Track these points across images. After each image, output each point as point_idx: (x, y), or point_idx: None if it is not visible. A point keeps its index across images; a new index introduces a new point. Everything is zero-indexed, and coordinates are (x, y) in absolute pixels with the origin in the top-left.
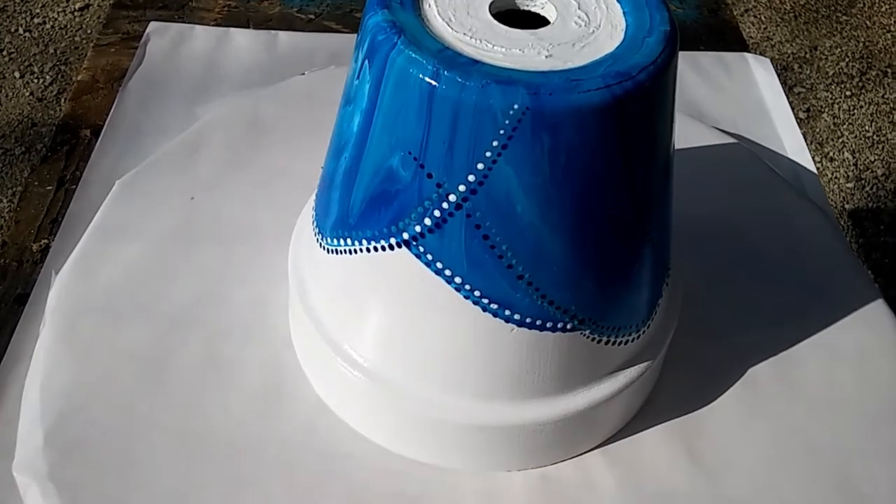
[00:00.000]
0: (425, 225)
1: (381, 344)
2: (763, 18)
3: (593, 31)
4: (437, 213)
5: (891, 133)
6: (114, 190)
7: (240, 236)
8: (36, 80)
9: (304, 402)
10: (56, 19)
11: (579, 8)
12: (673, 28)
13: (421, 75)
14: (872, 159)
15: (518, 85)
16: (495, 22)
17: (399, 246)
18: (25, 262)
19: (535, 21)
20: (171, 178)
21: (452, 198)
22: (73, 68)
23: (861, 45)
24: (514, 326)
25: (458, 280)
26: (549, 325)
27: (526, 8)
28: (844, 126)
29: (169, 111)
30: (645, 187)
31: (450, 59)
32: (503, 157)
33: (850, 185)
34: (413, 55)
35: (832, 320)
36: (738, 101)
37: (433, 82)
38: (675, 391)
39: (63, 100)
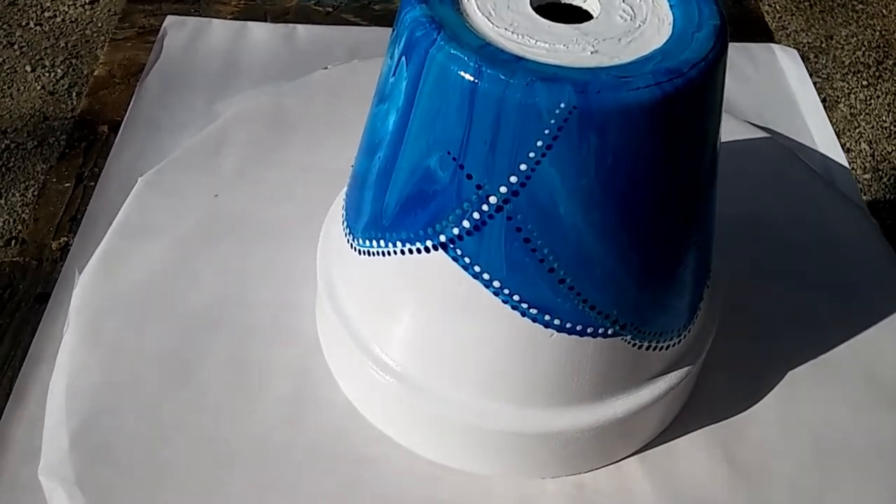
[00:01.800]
0: (464, 227)
1: (414, 348)
2: (778, 7)
3: (639, 26)
4: (476, 215)
5: None
6: (136, 187)
7: (264, 235)
8: (47, 74)
9: (332, 406)
10: (67, 13)
11: (623, 1)
12: (723, 22)
13: (462, 72)
14: (890, 150)
15: (565, 82)
16: (537, 16)
17: (435, 248)
18: (45, 260)
19: (577, 15)
20: (195, 175)
21: (493, 199)
22: (85, 62)
23: (877, 34)
24: (554, 332)
25: (496, 284)
26: (589, 330)
27: (567, 1)
28: (861, 116)
29: (187, 106)
30: (691, 188)
31: (492, 55)
32: (547, 157)
33: (867, 175)
34: (454, 51)
35: (871, 321)
36: (765, 92)
37: (475, 80)
38: (714, 396)
39: (74, 93)
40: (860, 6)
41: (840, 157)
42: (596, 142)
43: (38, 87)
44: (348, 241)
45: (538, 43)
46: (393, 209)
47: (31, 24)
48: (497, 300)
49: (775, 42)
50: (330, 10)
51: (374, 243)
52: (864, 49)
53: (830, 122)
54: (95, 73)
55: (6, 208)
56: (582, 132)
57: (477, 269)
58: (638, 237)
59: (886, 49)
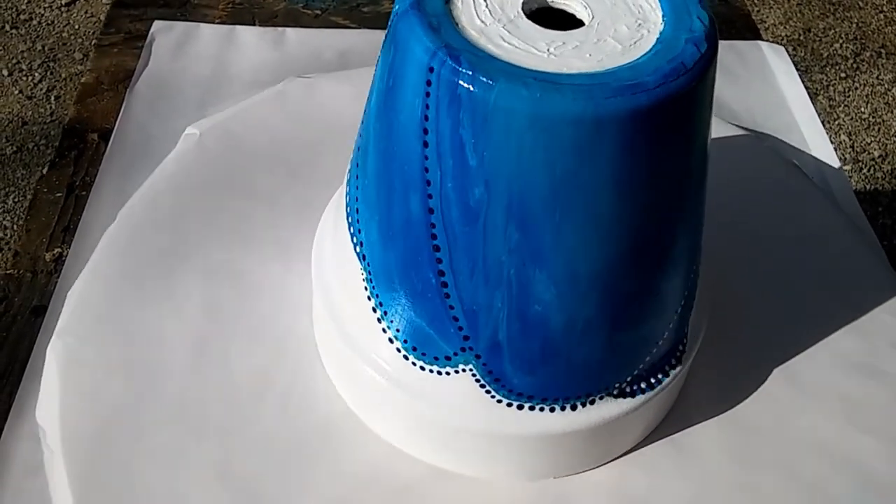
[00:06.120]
0: None
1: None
2: (756, 1)
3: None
4: None
5: (886, 114)
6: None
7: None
8: (25, 78)
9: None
10: (43, 15)
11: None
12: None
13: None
14: (868, 141)
15: (427, 37)
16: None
17: None
18: (39, 272)
19: (569, 22)
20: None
21: None
22: (63, 65)
23: (854, 26)
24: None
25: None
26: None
27: (561, 7)
28: (840, 108)
29: (178, 113)
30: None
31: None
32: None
33: (847, 167)
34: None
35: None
36: (753, 89)
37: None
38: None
39: (53, 97)
40: None
41: (830, 153)
42: (392, 54)
43: (16, 92)
44: None
45: (473, 11)
46: None
47: (7, 28)
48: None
49: (762, 39)
50: (318, 13)
51: None
52: (841, 41)
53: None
54: (83, 79)
55: None
56: (392, 36)
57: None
58: (392, 189)
59: (863, 41)
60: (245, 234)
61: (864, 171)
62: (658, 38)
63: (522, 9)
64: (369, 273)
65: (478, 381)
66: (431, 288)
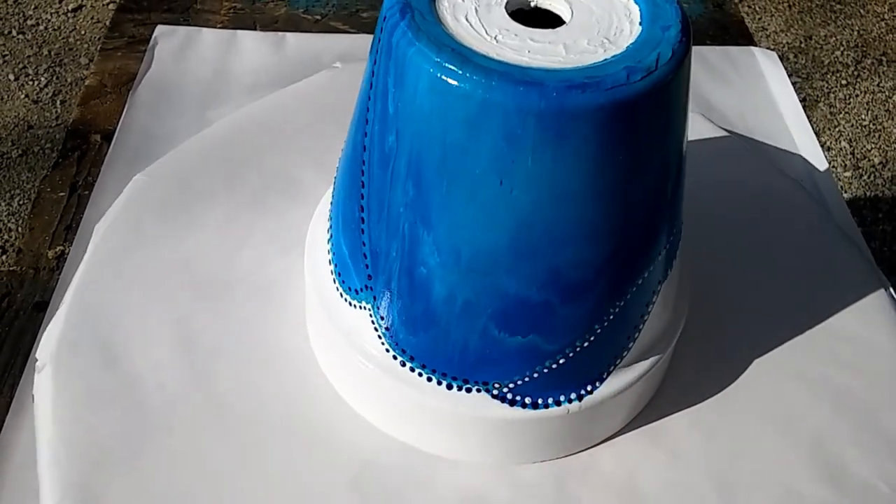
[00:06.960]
0: None
1: None
2: (758, 8)
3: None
4: None
5: (887, 121)
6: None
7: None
8: (31, 83)
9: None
10: (49, 20)
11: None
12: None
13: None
14: (869, 148)
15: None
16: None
17: None
18: (42, 269)
19: (553, 21)
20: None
21: None
22: (69, 70)
23: (855, 33)
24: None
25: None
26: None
27: (546, 7)
28: (841, 115)
29: (179, 115)
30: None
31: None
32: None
33: (847, 174)
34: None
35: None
36: (745, 95)
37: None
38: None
39: (59, 102)
40: (838, 6)
41: (819, 157)
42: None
43: (22, 96)
44: None
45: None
46: None
47: (14, 33)
48: None
49: (755, 45)
50: (318, 18)
51: None
52: (842, 49)
53: (810, 121)
54: (87, 82)
55: None
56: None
57: None
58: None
59: (864, 48)
60: (316, 153)
61: (865, 177)
62: (605, 59)
63: (512, 2)
64: (331, 198)
65: (373, 322)
66: (355, 220)
